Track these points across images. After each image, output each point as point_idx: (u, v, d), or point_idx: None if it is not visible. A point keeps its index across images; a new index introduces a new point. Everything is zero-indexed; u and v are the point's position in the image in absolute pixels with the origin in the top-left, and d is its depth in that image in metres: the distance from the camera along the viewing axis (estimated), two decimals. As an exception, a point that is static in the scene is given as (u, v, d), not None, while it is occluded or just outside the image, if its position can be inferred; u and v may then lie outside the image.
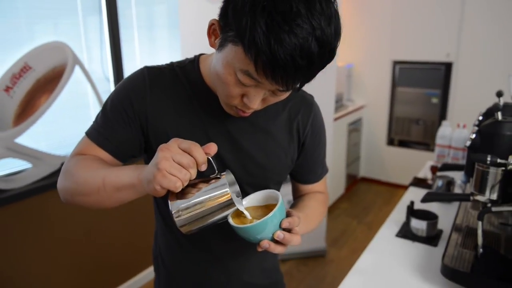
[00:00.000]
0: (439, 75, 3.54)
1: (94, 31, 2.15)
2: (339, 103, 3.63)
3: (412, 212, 1.34)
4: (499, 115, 1.01)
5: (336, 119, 3.33)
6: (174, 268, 0.96)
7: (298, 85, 0.66)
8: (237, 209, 0.67)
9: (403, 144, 3.92)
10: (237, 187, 0.71)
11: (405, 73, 3.74)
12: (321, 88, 2.45)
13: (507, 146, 0.97)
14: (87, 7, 2.07)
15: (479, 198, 1.03)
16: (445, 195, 1.17)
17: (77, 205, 0.77)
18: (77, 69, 2.01)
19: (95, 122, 0.82)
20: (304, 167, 0.93)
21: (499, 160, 0.92)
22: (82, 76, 2.04)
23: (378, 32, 3.77)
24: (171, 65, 0.84)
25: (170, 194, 0.63)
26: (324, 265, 2.73)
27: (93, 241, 2.13)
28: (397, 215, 1.45)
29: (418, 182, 1.76)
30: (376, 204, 3.68)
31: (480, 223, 0.97)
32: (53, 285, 1.98)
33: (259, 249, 0.67)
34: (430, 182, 1.73)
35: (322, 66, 0.65)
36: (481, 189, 1.03)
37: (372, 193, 3.97)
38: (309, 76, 0.65)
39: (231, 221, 0.66)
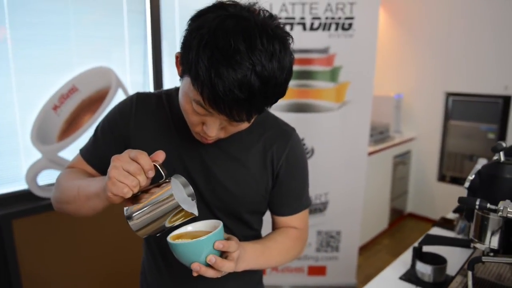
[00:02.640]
0: (496, 109, 3.29)
1: (139, 57, 2.33)
2: (384, 134, 3.51)
3: (420, 254, 1.25)
4: (502, 156, 0.93)
5: (379, 150, 3.22)
6: (153, 285, 0.99)
7: (245, 117, 0.68)
8: (181, 233, 0.70)
9: (455, 181, 3.65)
10: (190, 190, 0.72)
11: (459, 106, 3.53)
12: (355, 121, 2.42)
13: (507, 190, 0.89)
14: (133, 36, 2.25)
15: (479, 246, 0.95)
16: (444, 239, 1.08)
17: (63, 212, 0.85)
18: (120, 92, 2.18)
19: (88, 141, 0.91)
20: (278, 199, 0.92)
21: (489, 205, 0.84)
22: (124, 98, 2.21)
23: (430, 61, 3.61)
24: (160, 92, 0.91)
25: (125, 201, 0.67)
26: (353, 302, 2.59)
27: (123, 252, 2.24)
28: (407, 256, 1.36)
29: (444, 223, 1.64)
30: (421, 243, 3.44)
31: (470, 273, 0.89)
32: (80, 291, 2.10)
33: (194, 274, 0.68)
34: (455, 223, 1.60)
35: (268, 99, 0.67)
36: (480, 236, 0.94)
37: (418, 231, 3.71)
38: (254, 108, 0.67)
39: (168, 238, 0.68)
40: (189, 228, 0.72)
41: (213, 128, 0.71)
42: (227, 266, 0.68)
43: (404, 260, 1.35)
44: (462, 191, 3.15)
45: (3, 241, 1.83)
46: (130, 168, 0.63)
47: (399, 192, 3.77)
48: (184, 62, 0.67)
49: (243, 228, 0.92)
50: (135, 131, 0.86)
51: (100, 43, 2.12)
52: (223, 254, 0.69)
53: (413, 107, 3.80)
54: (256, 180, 0.87)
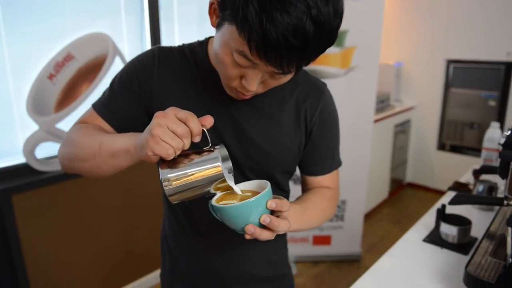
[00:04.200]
0: (497, 76, 3.28)
1: (136, 24, 2.23)
2: (385, 103, 3.48)
3: (443, 216, 1.24)
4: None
5: (380, 119, 3.20)
6: (177, 252, 0.97)
7: (295, 68, 0.63)
8: (221, 195, 0.67)
9: (455, 149, 3.68)
10: (229, 163, 0.71)
11: (460, 73, 3.51)
12: (361, 87, 2.39)
13: (547, 145, 0.87)
14: (130, 1, 2.15)
15: (514, 202, 0.93)
16: (475, 197, 1.07)
17: (75, 171, 0.79)
18: (118, 59, 2.09)
19: (103, 94, 0.85)
20: (311, 157, 0.90)
21: (532, 159, 0.82)
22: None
23: (431, 28, 3.56)
24: (182, 46, 0.85)
25: (162, 162, 0.64)
26: (358, 270, 2.63)
27: (123, 227, 2.21)
28: (429, 219, 1.37)
29: (458, 187, 1.64)
30: (421, 212, 3.45)
31: (510, 229, 0.87)
32: (80, 266, 2.08)
33: (247, 237, 0.65)
34: (471, 187, 1.60)
35: (320, 48, 0.63)
36: (516, 193, 0.93)
37: (418, 200, 3.77)
38: (306, 57, 0.62)
39: (214, 202, 0.65)
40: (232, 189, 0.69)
41: (254, 82, 0.67)
42: (283, 225, 0.65)
43: (425, 223, 1.34)
44: (462, 159, 3.18)
45: (3, 216, 1.78)
46: (178, 129, 0.59)
47: (399, 161, 3.79)
48: (228, 8, 0.61)
49: (275, 189, 0.89)
50: (158, 86, 0.81)
51: (95, 9, 2.01)
52: (273, 214, 0.66)
53: (413, 75, 3.78)
54: (290, 137, 0.84)
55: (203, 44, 0.84)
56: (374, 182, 3.31)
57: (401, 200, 3.76)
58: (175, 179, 0.63)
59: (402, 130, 3.68)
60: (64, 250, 1.98)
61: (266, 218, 0.63)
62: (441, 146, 3.76)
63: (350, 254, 2.73)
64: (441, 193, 3.74)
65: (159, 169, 0.63)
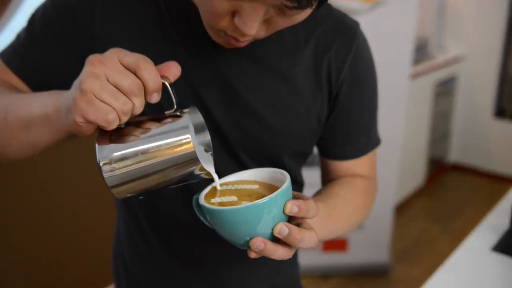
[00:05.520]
0: None
1: None
2: (422, 51, 3.48)
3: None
4: None
5: (415, 75, 3.18)
6: (138, 273, 0.96)
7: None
8: (212, 189, 0.65)
9: (519, 117, 3.75)
10: (207, 136, 0.67)
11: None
12: (392, 30, 2.40)
13: None
14: None
15: None
16: None
17: None
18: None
19: (16, 38, 0.82)
20: (338, 133, 0.88)
21: None
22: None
23: None
24: None
25: (100, 135, 0.59)
26: (386, 287, 2.66)
27: (61, 231, 2.18)
28: (497, 220, 1.39)
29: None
30: (472, 204, 3.56)
31: None
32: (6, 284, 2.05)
33: (252, 255, 0.61)
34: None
35: None
36: None
37: (467, 188, 3.85)
38: None
39: (202, 199, 0.61)
40: (231, 178, 0.67)
41: (253, 21, 0.61)
42: (308, 239, 0.59)
43: (493, 224, 1.37)
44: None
45: None
46: (124, 82, 0.54)
47: (440, 134, 3.85)
48: None
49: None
50: (105, 27, 0.77)
51: None
52: (291, 221, 0.61)
53: (462, 13, 3.79)
54: (306, 104, 0.81)
55: None
56: (406, 164, 3.33)
57: (443, 189, 3.84)
58: (121, 161, 0.58)
59: (445, 90, 3.71)
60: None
61: (284, 228, 0.58)
62: (500, 113, 3.82)
63: (375, 264, 2.76)
64: (500, 178, 3.80)
65: (96, 145, 0.59)
